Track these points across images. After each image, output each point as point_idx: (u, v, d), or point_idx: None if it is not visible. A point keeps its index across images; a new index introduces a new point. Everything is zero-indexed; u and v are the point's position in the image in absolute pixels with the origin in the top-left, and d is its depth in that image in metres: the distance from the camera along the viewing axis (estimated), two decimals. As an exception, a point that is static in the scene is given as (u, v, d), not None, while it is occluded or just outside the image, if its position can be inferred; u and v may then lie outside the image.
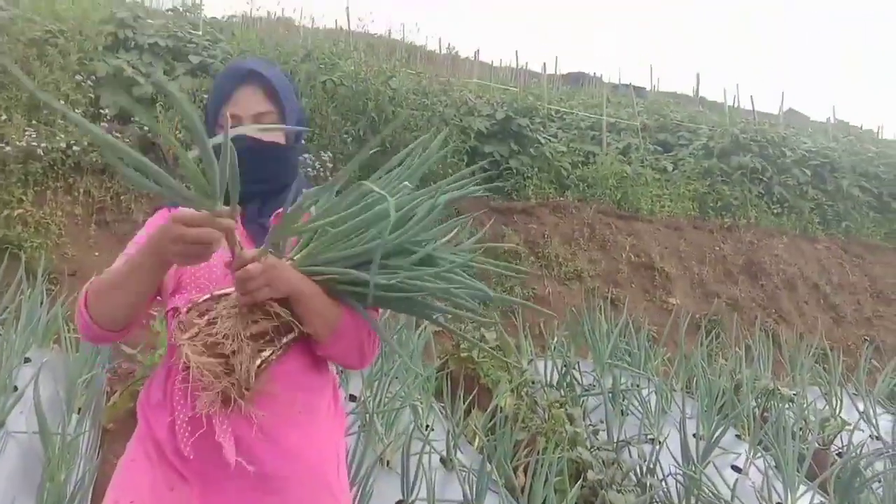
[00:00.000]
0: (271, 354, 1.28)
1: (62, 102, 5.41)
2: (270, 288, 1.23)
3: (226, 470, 1.27)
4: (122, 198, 5.47)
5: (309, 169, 6.00)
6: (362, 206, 1.34)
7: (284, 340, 1.31)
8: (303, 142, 1.67)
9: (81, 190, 5.47)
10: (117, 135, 5.57)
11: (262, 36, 7.96)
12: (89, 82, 5.83)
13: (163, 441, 1.34)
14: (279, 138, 1.44)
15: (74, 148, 5.33)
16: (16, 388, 2.95)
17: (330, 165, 6.18)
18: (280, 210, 1.40)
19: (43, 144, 5.18)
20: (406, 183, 1.41)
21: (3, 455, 2.62)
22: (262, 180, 1.42)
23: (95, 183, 5.54)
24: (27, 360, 3.32)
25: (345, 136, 6.63)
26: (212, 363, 1.20)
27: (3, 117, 5.25)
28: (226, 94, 1.45)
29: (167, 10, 8.50)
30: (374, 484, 2.70)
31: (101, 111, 5.81)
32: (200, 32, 7.29)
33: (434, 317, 1.52)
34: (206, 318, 1.26)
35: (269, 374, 1.27)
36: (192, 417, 1.27)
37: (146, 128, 5.83)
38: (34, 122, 5.37)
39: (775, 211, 8.97)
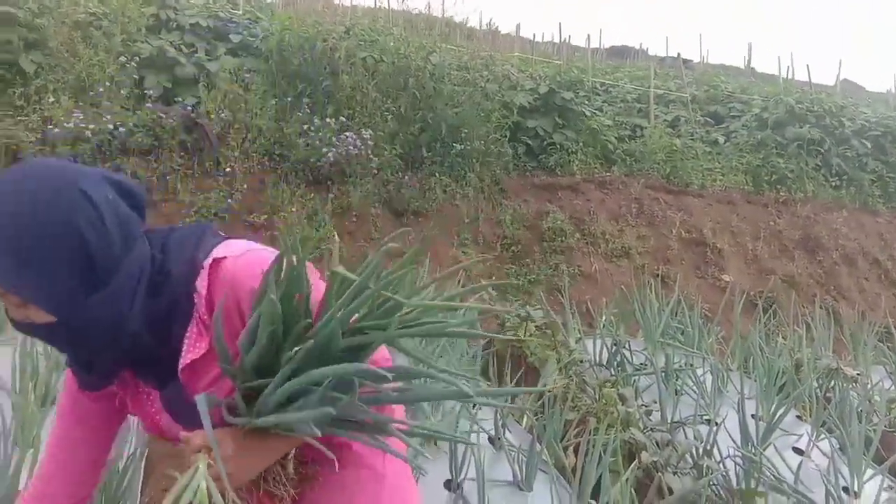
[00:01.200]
0: (291, 455, 1.12)
1: (107, 84, 5.46)
2: (242, 473, 0.99)
3: None
4: (168, 178, 5.50)
5: (350, 147, 5.94)
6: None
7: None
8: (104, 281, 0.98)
9: (128, 171, 5.51)
10: (161, 115, 5.59)
11: (302, 14, 7.89)
12: (133, 63, 5.86)
13: None
14: (41, 315, 0.94)
15: (121, 129, 5.37)
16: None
17: (371, 143, 6.11)
18: (187, 360, 1.02)
19: (91, 126, 5.23)
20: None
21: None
22: (83, 354, 1.04)
23: (142, 164, 5.58)
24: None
25: (385, 113, 6.55)
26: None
27: (52, 100, 5.32)
28: None
29: None
30: (423, 463, 2.64)
31: (146, 92, 5.85)
32: (241, 12, 7.28)
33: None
34: None
35: (300, 458, 1.13)
36: None
37: (190, 107, 5.84)
38: (81, 103, 5.43)
39: (833, 184, 8.59)
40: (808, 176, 8.49)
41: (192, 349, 1.00)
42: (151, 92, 5.84)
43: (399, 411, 1.21)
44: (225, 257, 1.00)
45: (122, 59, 5.82)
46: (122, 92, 5.58)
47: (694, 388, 3.88)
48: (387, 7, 10.15)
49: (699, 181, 7.90)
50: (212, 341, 0.96)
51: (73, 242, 0.89)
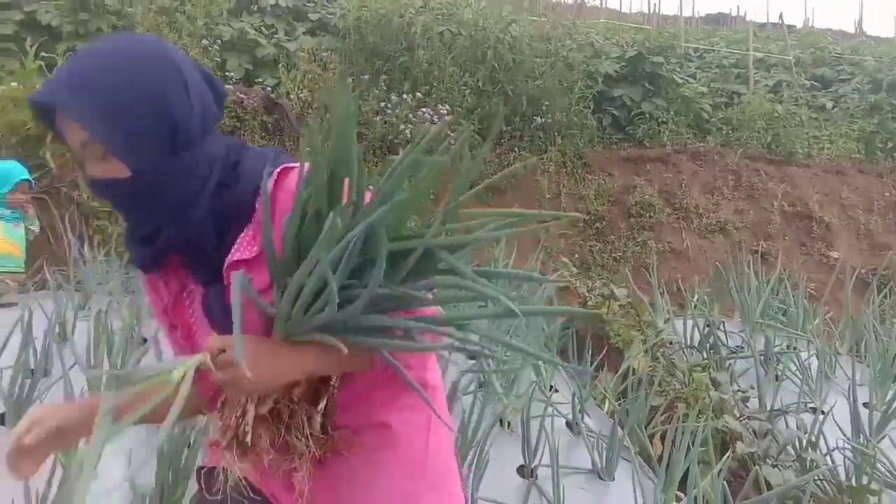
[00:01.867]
0: (327, 401, 1.05)
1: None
2: (260, 383, 0.96)
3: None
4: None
5: (427, 123, 5.82)
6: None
7: (334, 381, 1.06)
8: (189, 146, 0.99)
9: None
10: (242, 96, 5.66)
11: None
12: (216, 46, 5.95)
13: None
14: (119, 170, 0.96)
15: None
16: (144, 341, 3.02)
17: (448, 119, 5.96)
18: (235, 258, 1.00)
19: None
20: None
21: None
22: (154, 221, 1.02)
23: (224, 145, 5.68)
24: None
25: (463, 87, 6.37)
26: (263, 455, 1.00)
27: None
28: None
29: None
30: (494, 447, 2.50)
31: (227, 74, 5.93)
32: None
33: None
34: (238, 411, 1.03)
35: (337, 413, 1.05)
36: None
37: (269, 88, 5.89)
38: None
39: (961, 149, 7.74)
40: (931, 141, 7.69)
41: (243, 249, 1.01)
42: (233, 74, 5.92)
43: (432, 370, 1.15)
44: (294, 167, 1.01)
45: (205, 41, 5.92)
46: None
47: (797, 373, 3.55)
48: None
49: (804, 150, 7.29)
50: (263, 244, 0.96)
51: (161, 104, 0.94)
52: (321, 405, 1.02)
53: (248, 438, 0.97)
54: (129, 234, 1.07)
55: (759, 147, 7.17)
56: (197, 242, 1.01)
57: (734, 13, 16.68)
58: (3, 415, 2.37)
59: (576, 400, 2.86)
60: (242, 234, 1.01)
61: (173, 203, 0.98)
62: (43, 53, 5.20)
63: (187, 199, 0.98)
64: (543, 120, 6.38)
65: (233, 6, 6.49)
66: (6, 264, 3.78)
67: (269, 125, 5.76)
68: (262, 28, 6.41)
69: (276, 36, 6.41)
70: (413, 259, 0.91)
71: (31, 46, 5.16)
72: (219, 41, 6.04)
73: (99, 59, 0.96)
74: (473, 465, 2.43)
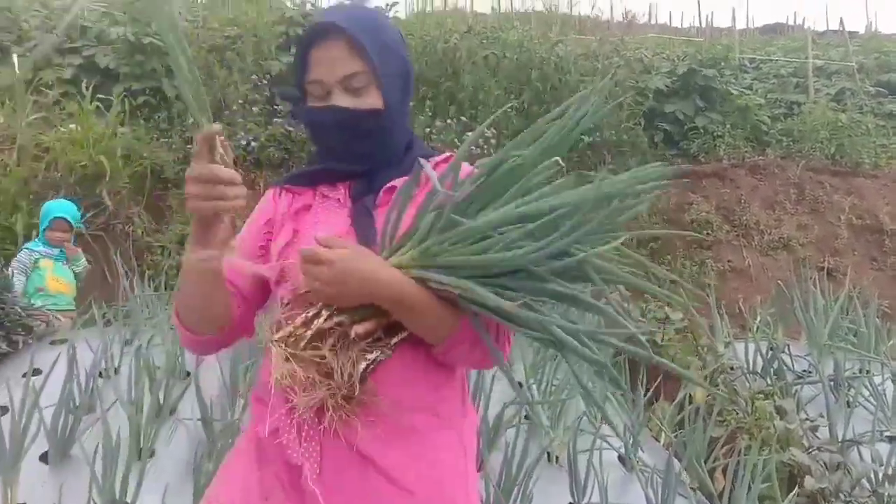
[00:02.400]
0: (379, 355, 1.05)
1: (240, 102, 5.70)
2: (343, 287, 0.99)
3: (340, 485, 1.06)
4: (296, 189, 5.64)
5: (473, 147, 5.78)
6: (512, 190, 1.03)
7: (395, 340, 1.06)
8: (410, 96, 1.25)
9: (262, 184, 5.72)
10: (290, 129, 5.75)
11: (424, 19, 7.90)
12: (265, 81, 6.08)
13: (264, 442, 1.14)
14: (377, 102, 1.12)
15: (253, 144, 5.58)
16: (188, 374, 3.03)
17: (493, 142, 5.91)
18: (392, 184, 1.15)
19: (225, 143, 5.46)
20: (556, 159, 1.04)
21: (173, 442, 2.67)
22: (364, 156, 1.17)
23: (274, 176, 5.77)
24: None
25: (508, 110, 6.32)
26: (300, 371, 1.00)
27: (191, 121, 5.63)
28: (305, 56, 1.14)
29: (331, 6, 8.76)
30: (539, 484, 2.39)
31: (276, 107, 6.05)
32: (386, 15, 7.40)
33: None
34: (303, 315, 1.04)
35: (376, 378, 1.04)
36: (294, 422, 1.07)
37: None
38: (217, 123, 5.70)
39: None
40: None
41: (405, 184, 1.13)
42: (281, 107, 6.03)
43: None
44: (443, 162, 1.19)
45: (254, 77, 6.06)
46: (254, 109, 5.81)
47: (871, 398, 3.29)
48: (509, 8, 9.87)
49: (871, 159, 6.93)
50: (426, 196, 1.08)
51: (406, 59, 1.17)
52: (373, 356, 1.03)
53: (303, 344, 0.99)
54: (323, 154, 1.20)
55: (822, 158, 6.85)
56: (377, 174, 1.16)
57: (791, 22, 16.16)
58: (46, 453, 2.39)
59: (626, 432, 2.71)
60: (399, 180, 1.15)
61: (397, 142, 1.17)
62: (99, 95, 5.42)
63: (401, 142, 1.18)
64: (591, 139, 6.26)
65: (281, 42, 6.63)
66: (58, 302, 3.86)
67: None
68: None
69: (323, 68, 6.51)
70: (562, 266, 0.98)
71: (88, 88, 5.37)
72: (268, 76, 6.17)
73: (363, 12, 1.15)
74: (518, 503, 2.32)
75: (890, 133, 7.42)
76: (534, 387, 2.98)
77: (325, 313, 1.02)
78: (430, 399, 1.12)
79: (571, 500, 2.46)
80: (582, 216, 0.96)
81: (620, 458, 2.74)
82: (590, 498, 2.45)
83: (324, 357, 1.00)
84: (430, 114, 6.22)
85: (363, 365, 1.02)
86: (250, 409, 1.25)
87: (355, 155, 1.15)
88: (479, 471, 2.34)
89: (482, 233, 1.00)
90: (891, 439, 3.07)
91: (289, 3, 7.67)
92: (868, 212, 6.42)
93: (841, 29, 10.84)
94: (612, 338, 1.03)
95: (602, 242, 1.00)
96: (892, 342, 4.14)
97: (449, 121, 6.00)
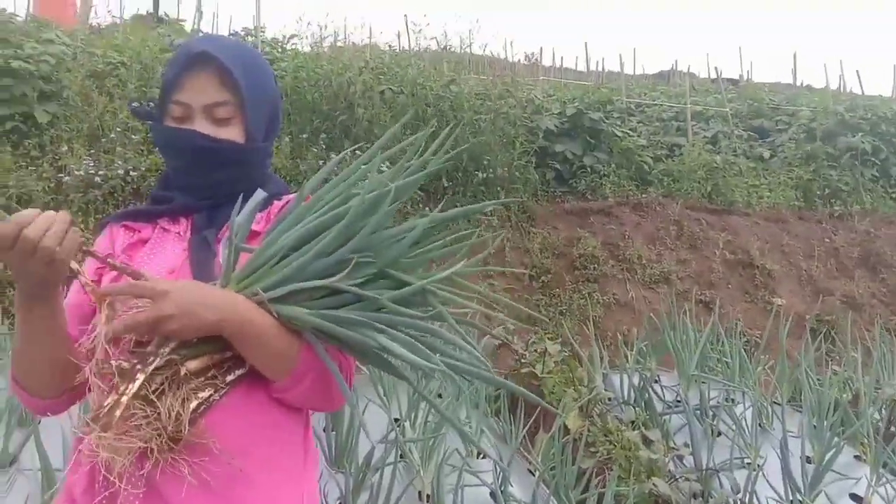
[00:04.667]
0: (213, 394, 0.98)
1: (119, 130, 5.45)
2: (191, 317, 0.93)
3: None
4: (180, 221, 5.42)
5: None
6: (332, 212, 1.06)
7: (230, 378, 1.00)
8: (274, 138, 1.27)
9: (142, 216, 5.46)
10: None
11: (318, 51, 7.87)
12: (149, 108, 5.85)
13: (77, 498, 1.03)
14: (238, 135, 1.14)
15: (132, 174, 5.32)
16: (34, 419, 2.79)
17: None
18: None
19: (101, 172, 5.19)
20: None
21: (11, 493, 2.45)
22: (214, 186, 1.16)
23: (156, 208, 5.52)
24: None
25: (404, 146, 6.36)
26: (122, 450, 0.90)
27: (65, 148, 5.32)
28: (175, 78, 1.12)
29: (230, 34, 8.59)
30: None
31: (160, 136, 5.82)
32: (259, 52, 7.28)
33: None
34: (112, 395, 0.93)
35: (209, 418, 0.97)
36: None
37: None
38: (93, 151, 5.42)
39: (894, 195, 7.95)
40: (865, 188, 7.90)
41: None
42: (165, 136, 5.81)
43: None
44: (289, 200, 1.19)
45: (135, 104, 5.81)
46: (134, 137, 5.56)
47: (733, 427, 3.45)
48: (406, 45, 10.02)
49: (744, 199, 7.42)
50: (269, 229, 1.07)
51: (278, 99, 1.21)
52: (206, 394, 0.97)
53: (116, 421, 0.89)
54: (164, 185, 1.21)
55: (699, 197, 7.27)
56: (223, 208, 1.13)
57: (675, 69, 17.22)
58: None
59: (496, 467, 2.71)
60: (260, 215, 1.15)
61: (253, 177, 1.16)
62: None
63: (257, 178, 1.17)
64: (485, 175, 6.38)
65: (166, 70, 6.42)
66: None
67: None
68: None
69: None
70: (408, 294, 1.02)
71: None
72: (151, 103, 5.93)
73: (237, 45, 1.20)
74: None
75: (760, 174, 7.97)
76: (406, 424, 2.94)
77: (142, 368, 0.93)
78: (267, 443, 1.05)
79: (437, 540, 2.42)
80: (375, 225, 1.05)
81: (492, 493, 2.73)
82: (457, 536, 2.42)
83: (151, 401, 0.92)
84: (324, 146, 6.16)
85: (194, 404, 0.95)
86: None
87: (206, 183, 1.14)
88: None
89: (282, 254, 1.02)
90: (749, 466, 3.21)
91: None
92: (741, 248, 6.83)
93: (718, 77, 11.66)
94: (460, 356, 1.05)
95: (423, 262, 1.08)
96: (759, 370, 4.36)
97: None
